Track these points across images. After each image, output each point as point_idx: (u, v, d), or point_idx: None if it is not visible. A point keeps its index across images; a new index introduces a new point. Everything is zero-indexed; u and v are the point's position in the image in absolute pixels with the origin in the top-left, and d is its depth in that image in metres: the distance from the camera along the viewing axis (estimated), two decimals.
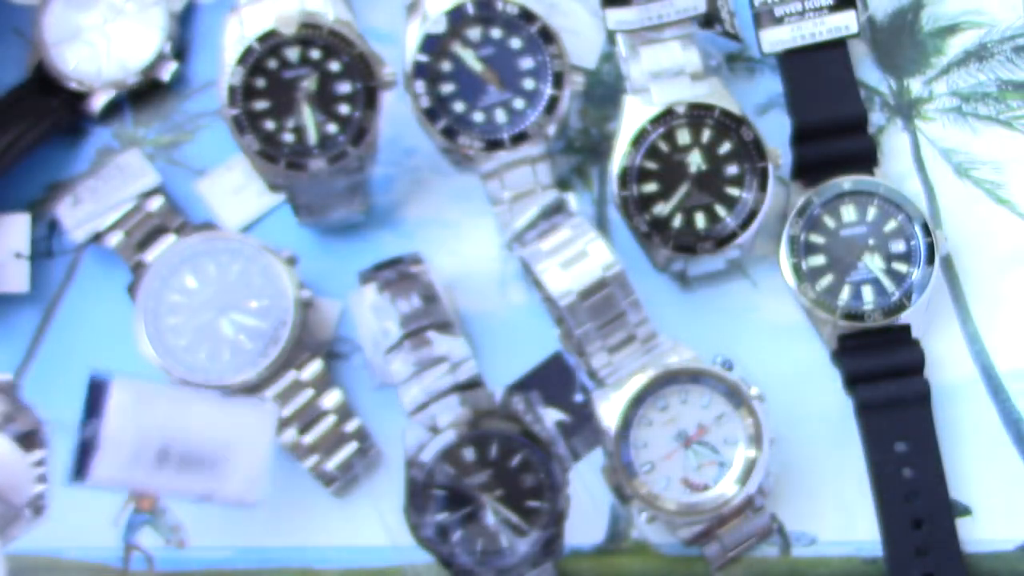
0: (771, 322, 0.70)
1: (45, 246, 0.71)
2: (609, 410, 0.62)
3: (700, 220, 0.65)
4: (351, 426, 0.67)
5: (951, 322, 0.69)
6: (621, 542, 0.68)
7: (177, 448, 0.57)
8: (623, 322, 0.62)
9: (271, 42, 0.62)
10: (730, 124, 0.65)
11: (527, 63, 0.65)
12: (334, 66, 0.63)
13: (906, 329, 0.67)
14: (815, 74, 0.68)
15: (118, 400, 0.56)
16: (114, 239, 0.67)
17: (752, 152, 0.65)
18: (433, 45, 0.64)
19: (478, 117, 0.65)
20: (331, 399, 0.67)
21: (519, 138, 0.65)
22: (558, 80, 0.65)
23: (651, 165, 0.65)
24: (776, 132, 0.67)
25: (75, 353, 0.67)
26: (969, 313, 0.69)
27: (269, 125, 0.62)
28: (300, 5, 0.62)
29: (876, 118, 0.71)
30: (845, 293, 0.66)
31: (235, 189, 0.70)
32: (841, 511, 0.67)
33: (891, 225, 0.67)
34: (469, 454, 0.60)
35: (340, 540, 0.68)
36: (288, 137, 0.63)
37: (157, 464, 0.57)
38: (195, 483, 0.58)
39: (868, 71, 0.72)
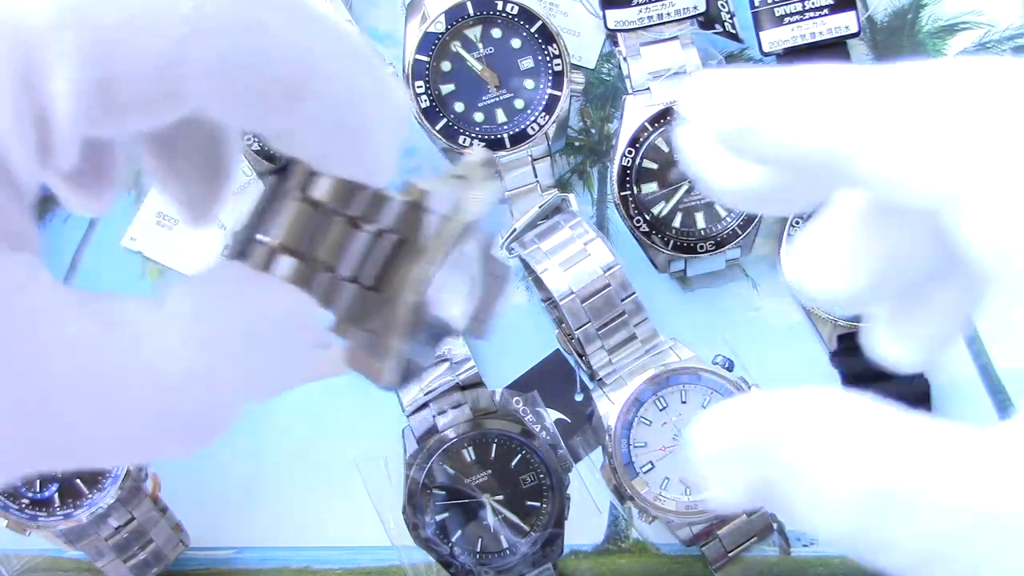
0: (771, 322, 0.70)
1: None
2: (609, 410, 0.62)
3: (700, 220, 0.65)
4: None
5: None
6: (621, 542, 0.68)
7: None
8: (623, 322, 0.62)
9: None
10: None
11: (527, 63, 0.65)
12: None
13: None
14: None
15: None
16: None
17: None
18: (433, 45, 0.64)
19: (478, 117, 0.65)
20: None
21: (519, 138, 0.65)
22: (558, 80, 0.65)
23: (651, 165, 0.65)
24: None
25: None
26: None
27: None
28: None
29: None
30: None
31: (235, 190, 0.70)
32: None
33: None
34: (469, 454, 0.60)
35: (340, 540, 0.68)
36: None
37: None
38: None
39: None
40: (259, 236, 0.23)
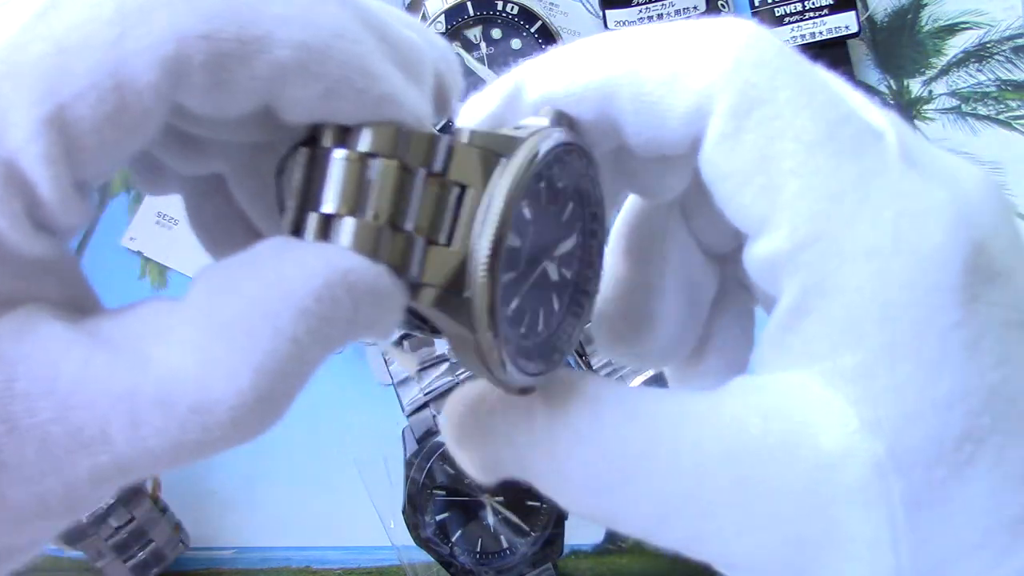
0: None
1: None
2: None
3: None
4: None
5: None
6: (621, 542, 0.68)
7: None
8: None
9: None
10: None
11: None
12: None
13: None
14: None
15: None
16: None
17: None
18: None
19: None
20: None
21: None
22: None
23: None
24: None
25: None
26: None
27: None
28: None
29: None
30: None
31: None
32: None
33: None
34: None
35: (340, 540, 0.68)
36: None
37: None
38: None
39: (868, 71, 0.72)
40: (310, 212, 0.20)
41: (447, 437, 0.24)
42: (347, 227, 0.20)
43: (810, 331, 0.21)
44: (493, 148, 0.21)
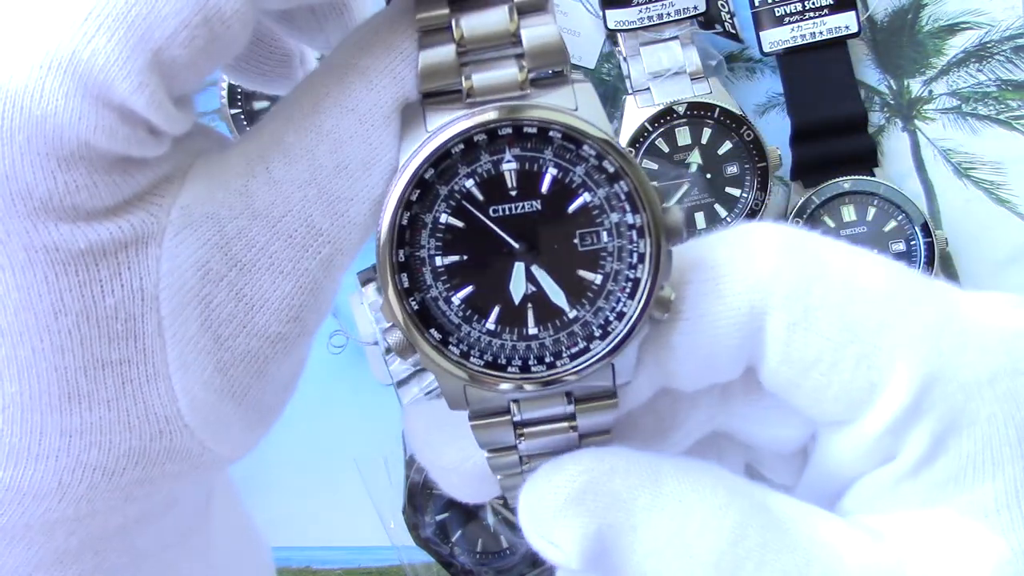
0: None
1: None
2: None
3: (700, 220, 0.66)
4: None
5: None
6: None
7: None
8: None
9: None
10: (730, 124, 0.65)
11: None
12: None
13: None
14: (815, 74, 0.68)
15: None
16: None
17: (752, 152, 0.65)
18: None
19: None
20: None
21: None
22: None
23: (651, 165, 0.65)
24: (776, 132, 0.67)
25: None
26: None
27: None
28: None
29: (876, 118, 0.71)
30: None
31: None
32: None
33: (891, 225, 0.67)
34: None
35: (340, 540, 0.68)
36: None
37: None
38: None
39: (868, 71, 0.72)
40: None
41: (534, 514, 0.22)
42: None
43: (940, 472, 0.20)
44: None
